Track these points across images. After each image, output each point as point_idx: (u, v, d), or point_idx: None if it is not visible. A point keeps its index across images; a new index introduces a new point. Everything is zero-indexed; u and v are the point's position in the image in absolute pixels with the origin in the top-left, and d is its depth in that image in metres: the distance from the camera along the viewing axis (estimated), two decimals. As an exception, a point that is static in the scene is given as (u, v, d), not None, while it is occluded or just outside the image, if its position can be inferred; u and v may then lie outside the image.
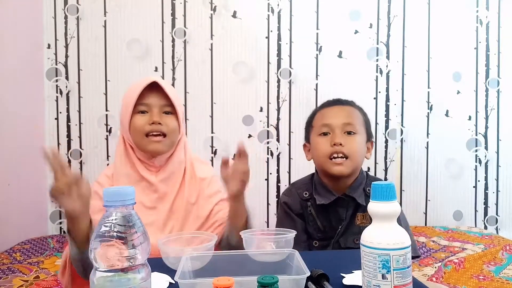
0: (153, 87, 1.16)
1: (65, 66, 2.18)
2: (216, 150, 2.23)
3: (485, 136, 2.37)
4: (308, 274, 0.71)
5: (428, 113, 2.34)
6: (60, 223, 2.19)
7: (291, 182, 2.01)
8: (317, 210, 1.25)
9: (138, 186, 1.16)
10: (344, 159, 1.19)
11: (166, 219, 1.16)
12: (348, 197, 1.23)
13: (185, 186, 1.20)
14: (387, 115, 2.31)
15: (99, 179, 1.24)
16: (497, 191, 2.38)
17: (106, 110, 2.19)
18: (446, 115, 2.34)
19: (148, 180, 1.17)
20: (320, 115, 1.29)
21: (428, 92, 2.34)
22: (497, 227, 2.38)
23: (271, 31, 2.25)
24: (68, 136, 2.18)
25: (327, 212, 1.25)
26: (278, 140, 2.26)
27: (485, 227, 2.36)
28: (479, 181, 2.37)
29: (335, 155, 1.19)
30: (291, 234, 0.95)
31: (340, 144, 1.19)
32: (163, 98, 1.17)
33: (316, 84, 2.27)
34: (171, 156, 1.20)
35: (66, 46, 2.17)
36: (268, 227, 2.16)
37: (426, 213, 2.34)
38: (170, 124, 1.17)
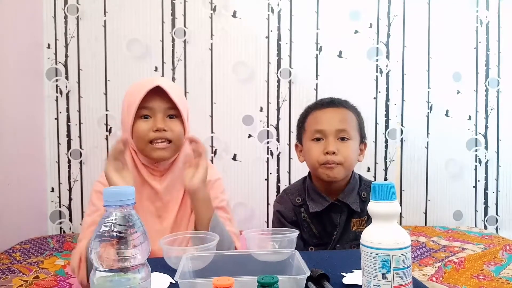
0: (157, 89, 1.11)
1: (65, 66, 2.18)
2: (216, 150, 2.23)
3: (485, 136, 2.37)
4: (308, 274, 0.71)
5: (428, 113, 2.34)
6: (60, 223, 2.20)
7: (291, 182, 2.01)
8: (311, 215, 1.24)
9: (143, 192, 1.14)
10: (337, 165, 1.18)
11: (172, 228, 1.15)
12: (341, 203, 1.22)
13: None
14: (387, 115, 2.31)
15: (103, 180, 1.17)
16: (497, 191, 2.38)
17: (106, 110, 2.19)
18: (446, 115, 2.34)
19: (152, 187, 1.15)
20: (312, 118, 1.26)
21: (428, 92, 2.34)
22: (497, 227, 2.38)
23: (271, 31, 2.25)
24: (68, 136, 2.18)
25: (321, 218, 1.23)
26: (278, 140, 2.26)
27: (485, 227, 2.36)
28: (479, 181, 2.37)
29: (328, 165, 1.18)
30: (294, 233, 0.95)
31: (334, 153, 1.17)
32: (167, 101, 1.12)
33: (316, 84, 2.27)
34: (175, 159, 1.18)
35: (66, 46, 2.17)
36: (268, 227, 2.16)
37: (426, 213, 2.34)
38: (175, 129, 1.13)
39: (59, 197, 2.19)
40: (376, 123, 2.30)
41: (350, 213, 1.22)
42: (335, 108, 1.25)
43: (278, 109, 2.26)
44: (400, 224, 2.20)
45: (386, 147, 2.32)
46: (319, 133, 1.21)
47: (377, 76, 2.31)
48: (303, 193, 1.28)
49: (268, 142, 2.25)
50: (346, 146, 1.19)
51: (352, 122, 1.23)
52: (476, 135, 2.36)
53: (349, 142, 1.20)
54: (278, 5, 2.24)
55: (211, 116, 2.23)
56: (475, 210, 2.38)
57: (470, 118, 2.36)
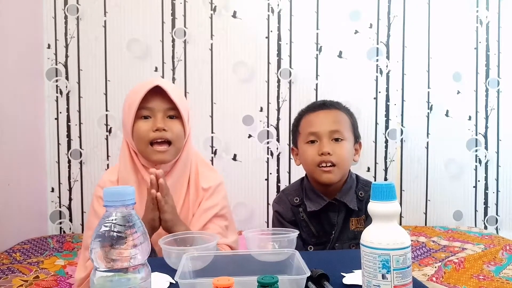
0: (157, 90, 1.11)
1: (65, 66, 2.18)
2: (216, 150, 2.23)
3: (485, 136, 2.37)
4: (308, 274, 0.71)
5: (428, 113, 2.34)
6: (60, 223, 2.19)
7: (291, 182, 2.01)
8: (309, 215, 1.25)
9: (143, 194, 1.14)
10: (333, 166, 1.19)
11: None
12: (338, 202, 1.23)
13: (189, 198, 1.18)
14: (387, 115, 2.31)
15: (102, 184, 1.19)
16: (497, 191, 2.38)
17: (106, 110, 2.19)
18: (446, 115, 2.34)
19: None
20: (306, 122, 1.27)
21: (428, 92, 2.34)
22: (497, 227, 2.38)
23: (271, 31, 2.25)
24: (68, 136, 2.18)
25: (319, 217, 1.24)
26: (278, 140, 2.26)
27: (485, 227, 2.36)
28: (479, 181, 2.37)
29: (323, 164, 1.19)
30: (294, 233, 0.95)
31: (328, 153, 1.18)
32: (167, 102, 1.12)
33: (316, 84, 2.27)
34: (176, 162, 1.17)
35: (66, 46, 2.17)
36: (268, 227, 2.16)
37: (426, 213, 2.34)
38: (174, 129, 1.13)
39: (59, 197, 2.19)
40: (376, 123, 2.30)
41: (348, 212, 1.24)
42: (327, 110, 1.27)
43: (278, 109, 2.26)
44: (400, 224, 2.20)
45: (386, 147, 2.32)
46: (313, 135, 1.23)
47: (377, 76, 2.31)
48: (301, 193, 1.29)
49: (268, 142, 2.25)
50: (340, 147, 1.21)
51: (345, 123, 1.25)
52: (476, 135, 2.36)
53: (343, 143, 1.22)
54: (278, 5, 2.24)
55: (211, 116, 2.23)
56: (475, 210, 2.38)
57: (470, 118, 2.36)
